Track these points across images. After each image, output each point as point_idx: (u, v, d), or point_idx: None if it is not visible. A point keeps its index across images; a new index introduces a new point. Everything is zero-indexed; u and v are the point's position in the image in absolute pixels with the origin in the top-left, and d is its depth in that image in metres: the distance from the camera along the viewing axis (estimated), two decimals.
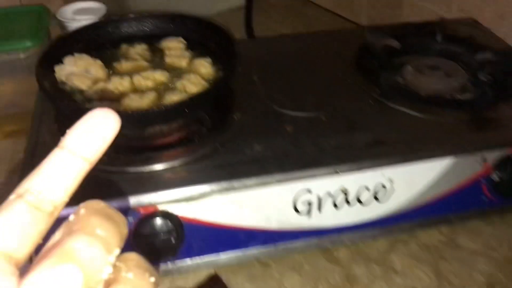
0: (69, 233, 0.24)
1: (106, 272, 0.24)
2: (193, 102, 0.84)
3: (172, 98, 0.89)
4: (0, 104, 1.14)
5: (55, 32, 1.22)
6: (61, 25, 1.17)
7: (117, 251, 0.25)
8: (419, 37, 1.23)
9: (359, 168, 0.87)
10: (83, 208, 0.27)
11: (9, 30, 1.09)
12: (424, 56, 1.17)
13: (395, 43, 1.15)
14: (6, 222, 0.24)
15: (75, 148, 0.28)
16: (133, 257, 0.28)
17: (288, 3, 1.84)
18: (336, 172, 0.86)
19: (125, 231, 0.27)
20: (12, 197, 0.25)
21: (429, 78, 1.09)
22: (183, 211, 0.82)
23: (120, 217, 0.28)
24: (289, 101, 1.02)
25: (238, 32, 1.64)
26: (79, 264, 0.22)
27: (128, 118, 0.81)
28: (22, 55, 1.04)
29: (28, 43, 1.04)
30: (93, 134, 0.28)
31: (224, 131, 0.94)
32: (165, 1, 1.59)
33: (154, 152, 0.89)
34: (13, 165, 1.16)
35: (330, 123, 0.96)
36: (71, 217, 0.26)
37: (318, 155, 0.88)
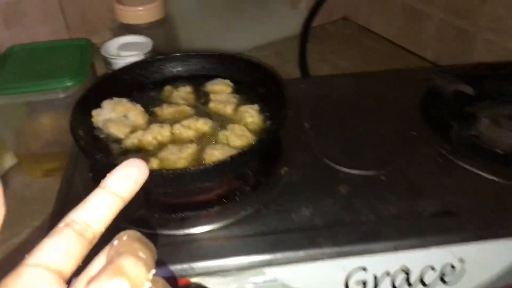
0: (117, 254, 0.31)
1: (147, 286, 0.30)
2: (234, 162, 0.75)
3: (214, 153, 0.80)
4: (40, 143, 1.11)
5: (99, 69, 1.18)
6: (105, 61, 1.12)
7: (153, 271, 0.32)
8: (496, 80, 1.08)
9: (423, 245, 0.75)
10: (125, 235, 0.34)
11: (49, 66, 1.04)
12: (502, 104, 1.02)
13: (467, 89, 1.02)
14: (58, 245, 0.30)
15: (113, 188, 0.36)
16: (160, 279, 0.33)
17: (346, 32, 1.73)
18: (396, 249, 0.74)
19: (156, 256, 0.34)
20: (61, 225, 0.32)
21: (509, 132, 0.94)
22: (219, 286, 0.73)
23: (152, 245, 0.34)
24: (344, 155, 0.91)
25: (291, 63, 1.55)
26: (128, 278, 0.29)
27: (163, 178, 0.73)
28: (61, 94, 1.00)
29: (68, 83, 0.99)
30: (127, 178, 0.37)
31: (269, 189, 0.84)
32: (217, 33, 1.53)
33: (190, 211, 0.80)
34: (50, 205, 1.11)
35: (390, 185, 0.84)
36: (115, 242, 0.33)
37: (376, 225, 0.76)
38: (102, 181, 0.38)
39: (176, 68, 1.04)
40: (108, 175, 0.37)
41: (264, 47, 1.66)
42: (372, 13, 1.70)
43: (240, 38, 1.62)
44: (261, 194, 0.83)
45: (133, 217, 0.76)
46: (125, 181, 0.37)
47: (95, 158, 0.76)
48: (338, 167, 0.88)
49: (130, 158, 0.39)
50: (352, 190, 0.83)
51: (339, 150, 0.92)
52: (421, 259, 0.74)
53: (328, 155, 0.91)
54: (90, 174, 0.89)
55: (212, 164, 0.73)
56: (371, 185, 0.84)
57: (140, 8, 1.22)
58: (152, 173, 0.78)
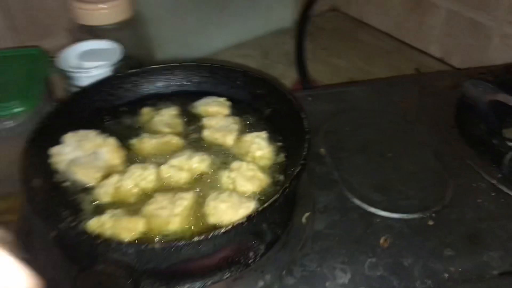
0: None
1: None
2: (251, 223, 0.55)
3: (219, 207, 0.60)
4: None
5: (56, 85, 0.94)
6: (64, 75, 0.89)
7: None
8: None
9: None
10: None
11: None
12: None
13: (507, 98, 0.85)
14: None
15: None
16: None
17: (338, 25, 1.54)
18: None
19: None
20: None
21: None
22: None
23: None
24: (376, 192, 0.72)
25: (280, 64, 1.35)
26: None
27: (155, 255, 0.53)
28: (9, 124, 0.77)
29: (17, 108, 0.76)
30: None
31: (290, 247, 0.65)
32: (194, 31, 1.31)
33: (190, 283, 0.60)
34: None
35: (442, 232, 0.67)
36: None
37: None
38: None
39: (156, 84, 0.82)
40: None
41: (247, 44, 1.45)
42: (365, 3, 1.51)
43: (219, 35, 1.40)
44: (281, 254, 0.64)
45: None
46: None
47: (56, 228, 0.55)
48: (372, 209, 0.70)
49: None
50: (396, 243, 0.65)
51: (369, 186, 0.73)
52: None
53: (357, 193, 0.72)
54: (54, 233, 0.67)
55: (223, 231, 0.53)
56: (418, 233, 0.66)
57: (103, 5, 0.98)
58: (141, 249, 0.58)
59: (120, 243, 0.52)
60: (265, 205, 0.56)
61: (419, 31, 1.37)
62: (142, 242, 0.55)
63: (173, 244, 0.52)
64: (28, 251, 0.64)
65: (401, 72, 1.29)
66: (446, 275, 0.61)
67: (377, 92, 0.94)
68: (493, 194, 0.72)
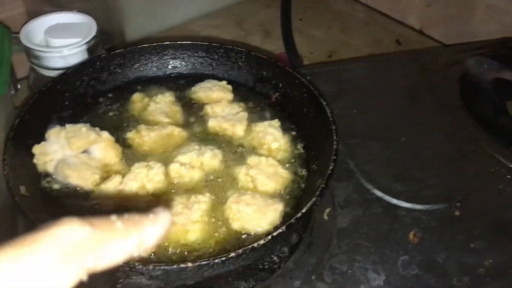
0: None
1: None
2: (288, 232, 0.49)
3: (244, 211, 0.53)
4: None
5: (18, 64, 0.81)
6: (29, 53, 0.77)
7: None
8: None
9: None
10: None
11: None
12: None
13: (510, 76, 0.83)
14: None
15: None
16: None
17: None
18: None
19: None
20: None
21: None
22: None
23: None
24: (397, 182, 0.68)
25: (256, 35, 1.27)
26: None
27: (184, 273, 0.45)
28: None
29: None
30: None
31: (316, 247, 0.60)
32: (165, 1, 1.20)
33: None
34: None
35: (470, 223, 0.64)
36: None
37: None
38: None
39: (145, 66, 0.72)
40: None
41: (218, 13, 1.35)
42: None
43: (188, 4, 1.29)
44: (307, 256, 0.59)
45: None
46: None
47: None
48: (395, 201, 0.65)
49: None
50: (426, 237, 0.62)
51: (388, 175, 0.69)
52: None
53: (377, 183, 0.67)
54: None
55: (263, 243, 0.47)
56: (446, 225, 0.63)
57: None
58: (169, 270, 0.49)
59: (145, 264, 0.44)
60: (304, 210, 0.49)
61: (397, 1, 1.33)
62: (171, 262, 0.47)
63: (207, 261, 0.45)
64: None
65: (382, 44, 1.24)
66: (482, 270, 0.58)
67: (377, 70, 0.89)
68: (508, 176, 0.70)
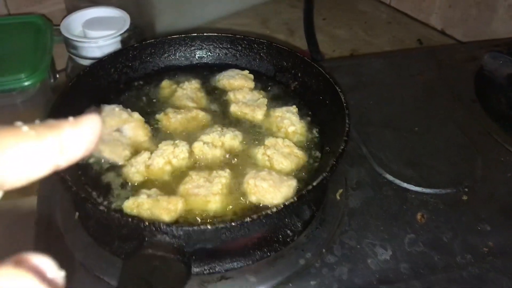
0: None
1: None
2: (299, 202, 0.53)
3: (260, 185, 0.58)
4: None
5: (57, 54, 0.88)
6: (68, 44, 0.83)
7: None
8: None
9: None
10: None
11: None
12: None
13: None
14: None
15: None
16: None
17: None
18: None
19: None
20: None
21: None
22: None
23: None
24: (408, 167, 0.72)
25: (280, 33, 1.31)
26: None
27: (204, 235, 0.50)
28: (18, 99, 0.71)
29: (25, 81, 0.70)
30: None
31: (327, 224, 0.64)
32: (195, 1, 1.26)
33: (230, 265, 0.58)
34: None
35: (476, 207, 0.67)
36: None
37: (478, 269, 0.59)
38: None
39: (174, 56, 0.78)
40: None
41: (244, 13, 1.40)
42: None
43: (217, 3, 1.35)
44: (319, 232, 0.63)
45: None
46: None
47: (93, 206, 0.51)
48: (405, 185, 0.69)
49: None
50: (433, 218, 0.65)
51: (400, 161, 0.72)
52: None
53: (388, 168, 0.71)
54: (77, 214, 0.64)
55: (275, 211, 0.51)
56: (453, 208, 0.66)
57: None
58: (190, 230, 0.55)
59: (169, 225, 0.49)
60: (315, 183, 0.54)
61: (420, 2, 1.36)
62: (193, 224, 0.52)
63: (225, 225, 0.50)
64: (48, 241, 0.62)
65: (403, 44, 1.27)
66: (485, 249, 0.61)
67: (395, 65, 0.92)
68: None
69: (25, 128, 0.23)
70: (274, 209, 0.51)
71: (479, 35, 1.23)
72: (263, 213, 0.51)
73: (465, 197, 0.68)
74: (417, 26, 1.37)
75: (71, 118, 0.25)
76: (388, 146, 0.75)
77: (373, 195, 0.68)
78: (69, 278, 0.23)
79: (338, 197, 0.67)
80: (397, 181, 0.69)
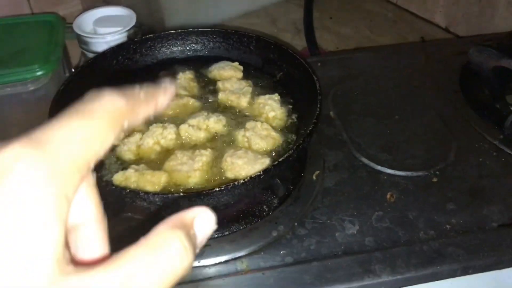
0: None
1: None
2: (266, 176, 0.59)
3: (236, 163, 0.64)
4: None
5: (71, 49, 0.97)
6: (80, 40, 0.92)
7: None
8: None
9: (497, 264, 0.62)
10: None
11: (11, 50, 0.83)
12: None
13: (511, 64, 0.88)
14: None
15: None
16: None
17: None
18: (466, 272, 0.61)
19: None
20: None
21: None
22: None
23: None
24: (383, 152, 0.76)
25: (287, 32, 1.37)
26: None
27: (178, 203, 0.57)
28: (31, 87, 0.80)
29: (39, 71, 0.79)
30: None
31: (302, 201, 0.69)
32: (205, 1, 1.33)
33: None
34: None
35: (445, 188, 0.71)
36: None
37: (438, 244, 0.63)
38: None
39: (171, 49, 0.85)
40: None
41: (255, 13, 1.47)
42: None
43: (228, 4, 1.42)
44: (293, 208, 0.68)
45: None
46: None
47: None
48: (379, 167, 0.74)
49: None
50: (402, 198, 0.69)
51: (377, 146, 0.77)
52: (496, 283, 0.62)
53: (365, 152, 0.76)
54: None
55: (242, 182, 0.57)
56: (422, 189, 0.71)
57: None
58: (164, 197, 0.62)
59: (147, 193, 0.56)
60: (281, 159, 0.60)
61: (424, 1, 1.39)
62: (168, 192, 0.59)
63: (196, 193, 0.56)
64: None
65: (406, 41, 1.31)
66: (448, 226, 0.65)
67: (383, 58, 0.96)
68: (494, 153, 0.76)
69: (142, 94, 0.33)
70: (242, 181, 0.57)
71: (482, 32, 1.25)
72: (231, 184, 0.57)
73: (435, 179, 0.72)
74: (421, 24, 1.40)
75: (162, 88, 0.35)
76: (368, 132, 0.79)
77: (347, 177, 0.72)
78: None
79: (314, 178, 0.72)
80: (372, 164, 0.74)
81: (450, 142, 0.77)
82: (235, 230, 0.65)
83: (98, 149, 0.28)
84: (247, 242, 0.64)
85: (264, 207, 0.68)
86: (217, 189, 0.56)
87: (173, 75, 0.81)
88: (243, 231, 0.65)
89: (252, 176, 0.58)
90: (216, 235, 0.65)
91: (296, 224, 0.66)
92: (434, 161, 0.74)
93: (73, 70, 1.00)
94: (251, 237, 0.65)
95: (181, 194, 0.56)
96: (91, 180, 0.30)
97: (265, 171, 0.58)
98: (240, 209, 0.68)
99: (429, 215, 0.67)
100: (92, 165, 0.28)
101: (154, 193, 0.56)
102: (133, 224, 0.54)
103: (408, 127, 0.81)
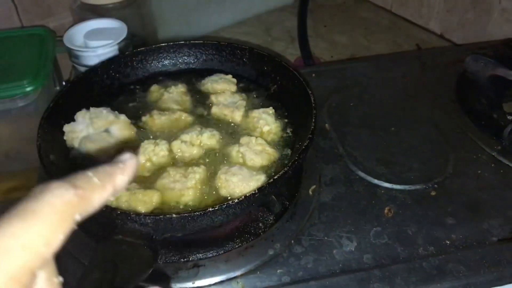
0: None
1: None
2: (262, 194, 0.57)
3: (231, 180, 0.63)
4: None
5: (61, 63, 0.95)
6: (70, 53, 0.90)
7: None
8: None
9: (500, 280, 0.61)
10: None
11: (1, 65, 0.82)
12: None
13: (507, 73, 0.87)
14: None
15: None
16: None
17: (339, 2, 1.55)
18: None
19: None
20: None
21: None
22: None
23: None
24: (380, 165, 0.75)
25: (282, 41, 1.36)
26: None
27: (171, 224, 0.55)
28: (20, 103, 0.78)
29: (28, 87, 0.77)
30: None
31: (298, 217, 0.68)
32: (195, 8, 1.32)
33: (203, 254, 0.63)
34: None
35: (443, 202, 0.69)
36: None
37: (438, 260, 0.62)
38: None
39: (163, 62, 0.84)
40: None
41: (248, 22, 1.46)
42: None
43: (221, 13, 1.41)
44: (289, 224, 0.67)
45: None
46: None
47: None
48: (376, 181, 0.72)
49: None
50: (400, 212, 0.68)
51: (373, 159, 0.76)
52: None
53: (362, 166, 0.74)
54: None
55: (236, 202, 0.56)
56: (421, 203, 0.69)
57: None
58: (157, 218, 0.60)
59: (138, 214, 0.54)
60: (276, 177, 0.58)
61: (419, 7, 1.38)
62: (160, 213, 0.57)
63: (189, 214, 0.54)
64: None
65: (402, 49, 1.30)
66: (447, 242, 0.64)
67: (379, 68, 0.95)
68: (493, 165, 0.75)
69: (95, 179, 0.30)
70: (236, 200, 0.56)
71: (477, 38, 1.25)
72: (225, 203, 0.55)
73: (433, 193, 0.70)
74: (417, 31, 1.40)
75: (121, 165, 0.32)
76: (364, 145, 0.78)
77: (344, 191, 0.71)
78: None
79: (310, 193, 0.71)
80: (369, 178, 0.72)
81: (447, 154, 0.76)
82: (230, 249, 0.64)
83: (43, 253, 0.26)
84: (242, 261, 0.63)
85: (260, 224, 0.67)
86: (210, 209, 0.55)
87: (165, 89, 0.79)
88: (238, 249, 0.64)
89: (247, 195, 0.56)
90: (210, 255, 0.63)
91: (292, 241, 0.65)
92: (432, 174, 0.73)
93: (64, 83, 0.98)
94: (246, 256, 0.63)
95: (173, 216, 0.54)
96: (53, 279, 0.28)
97: (260, 189, 0.57)
98: (235, 227, 0.66)
99: (428, 230, 0.65)
100: (37, 271, 0.26)
101: (146, 214, 0.54)
102: (124, 248, 0.53)
103: (405, 139, 0.79)
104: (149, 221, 0.54)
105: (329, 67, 0.97)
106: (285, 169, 0.59)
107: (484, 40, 1.19)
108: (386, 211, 0.68)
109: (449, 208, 0.68)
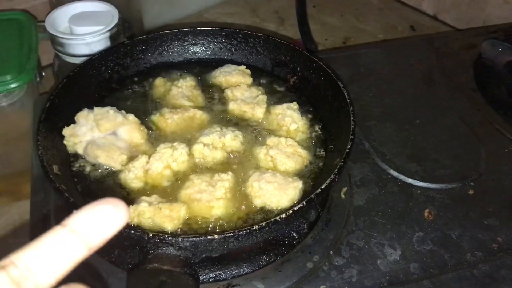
0: None
1: None
2: (308, 207, 0.51)
3: (265, 188, 0.56)
4: None
5: (43, 51, 0.83)
6: (54, 40, 0.79)
7: None
8: None
9: None
10: None
11: None
12: None
13: None
14: None
15: (78, 230, 0.26)
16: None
17: None
18: None
19: None
20: None
21: None
22: None
23: None
24: (412, 162, 0.70)
25: (270, 23, 1.28)
26: None
27: (211, 245, 0.48)
28: (4, 101, 0.68)
29: (12, 83, 0.67)
30: (100, 221, 0.27)
31: (334, 224, 0.62)
32: None
33: (238, 272, 0.57)
34: None
35: (483, 201, 0.66)
36: None
37: (489, 266, 0.58)
38: (66, 217, 0.27)
39: (167, 52, 0.75)
40: (75, 211, 0.27)
41: (233, 1, 1.37)
42: None
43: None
44: (325, 233, 0.61)
45: None
46: (96, 224, 0.27)
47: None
48: (410, 180, 0.68)
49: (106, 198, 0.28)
50: (440, 214, 0.64)
51: (403, 156, 0.71)
52: None
53: (392, 163, 0.69)
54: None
55: (284, 216, 0.49)
56: (460, 204, 0.65)
57: None
58: (197, 241, 0.52)
59: (174, 236, 0.47)
60: (323, 186, 0.52)
61: None
62: (199, 234, 0.50)
63: (233, 233, 0.47)
64: None
65: (396, 30, 1.25)
66: (495, 245, 0.60)
67: (392, 54, 0.90)
68: None
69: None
70: (284, 215, 0.49)
71: (472, 20, 1.22)
72: (272, 220, 0.49)
73: (471, 191, 0.66)
74: (409, 12, 1.35)
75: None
76: (391, 139, 0.73)
77: (378, 192, 0.66)
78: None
79: (343, 196, 0.65)
80: (402, 177, 0.67)
81: (478, 148, 0.72)
82: (265, 264, 0.57)
83: None
84: (280, 277, 0.57)
85: (294, 234, 0.60)
86: (256, 227, 0.48)
87: (172, 82, 0.71)
88: (274, 264, 0.58)
89: (295, 209, 0.50)
90: (245, 271, 0.57)
91: (332, 252, 0.59)
92: (465, 170, 0.69)
93: (43, 74, 0.87)
94: (284, 271, 0.57)
95: (216, 236, 0.47)
96: None
97: (309, 201, 0.50)
98: (268, 239, 0.59)
99: (472, 233, 0.61)
100: None
101: (184, 236, 0.47)
102: (163, 279, 0.45)
103: (431, 132, 0.75)
104: (187, 244, 0.47)
105: (339, 54, 0.91)
106: (332, 176, 0.53)
107: (481, 22, 1.16)
108: (426, 214, 0.63)
109: (489, 208, 0.64)
